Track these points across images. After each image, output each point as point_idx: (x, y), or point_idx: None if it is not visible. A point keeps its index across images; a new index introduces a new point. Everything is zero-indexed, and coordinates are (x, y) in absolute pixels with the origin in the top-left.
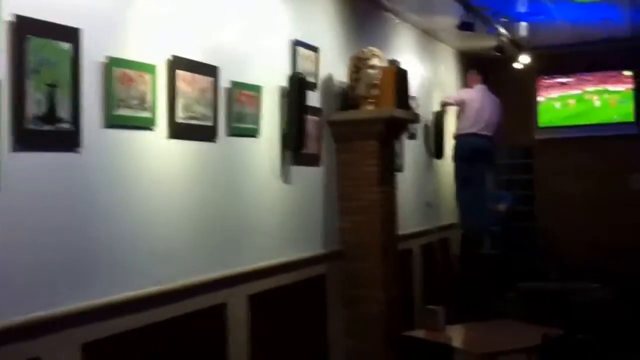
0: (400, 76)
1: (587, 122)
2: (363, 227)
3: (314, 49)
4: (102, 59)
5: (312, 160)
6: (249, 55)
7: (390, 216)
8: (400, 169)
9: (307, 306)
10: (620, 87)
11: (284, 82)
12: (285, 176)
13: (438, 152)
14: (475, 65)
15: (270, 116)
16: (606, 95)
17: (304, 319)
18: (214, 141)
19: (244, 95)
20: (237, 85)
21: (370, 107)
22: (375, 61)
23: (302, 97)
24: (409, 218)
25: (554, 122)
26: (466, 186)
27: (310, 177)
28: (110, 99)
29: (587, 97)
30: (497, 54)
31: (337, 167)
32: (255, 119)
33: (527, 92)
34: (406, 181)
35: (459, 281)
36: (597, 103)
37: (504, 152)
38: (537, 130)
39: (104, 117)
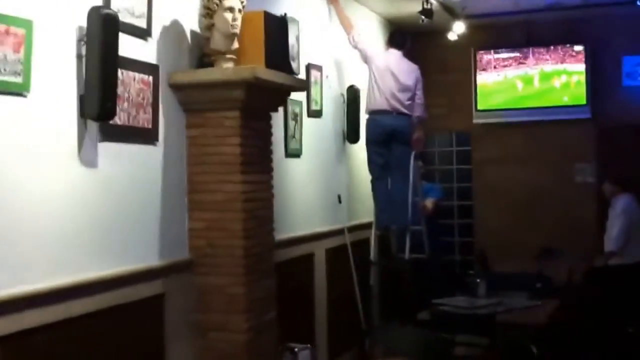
0: (272, 25)
1: (533, 105)
2: (219, 229)
3: None
4: None
5: (140, 136)
6: None
7: (262, 214)
8: (296, 154)
9: (129, 341)
10: (571, 65)
11: (84, 22)
12: (89, 156)
13: (353, 135)
14: (391, 34)
15: (55, 68)
16: (555, 74)
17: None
18: None
19: None
20: None
21: (228, 65)
22: (234, 1)
23: (111, 45)
24: (311, 215)
25: (495, 105)
26: (382, 176)
27: (140, 159)
28: None
29: (532, 76)
30: (424, 17)
31: (186, 147)
32: (21, 68)
33: (463, 70)
34: (307, 169)
35: (367, 296)
36: (544, 83)
37: (438, 139)
38: (475, 113)
39: None
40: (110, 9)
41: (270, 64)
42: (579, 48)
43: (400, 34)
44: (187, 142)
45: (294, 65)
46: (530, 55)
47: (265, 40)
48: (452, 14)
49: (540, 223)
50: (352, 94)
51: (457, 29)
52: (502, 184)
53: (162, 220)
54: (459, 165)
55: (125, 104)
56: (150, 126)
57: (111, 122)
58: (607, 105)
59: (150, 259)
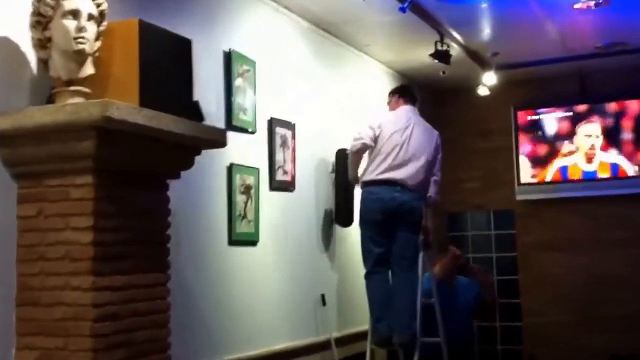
0: (157, 43)
1: (592, 176)
2: None
3: None
4: None
5: None
6: None
7: (141, 338)
8: (249, 240)
9: None
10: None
11: None
12: None
13: (344, 217)
14: (400, 87)
15: None
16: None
17: None
18: None
19: None
20: None
21: (72, 101)
22: (79, 2)
23: None
24: (274, 326)
25: (543, 177)
26: (380, 270)
27: None
28: None
29: (590, 139)
30: (435, 61)
31: (17, 233)
32: None
33: (502, 134)
34: (268, 262)
35: None
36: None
37: (472, 220)
38: (519, 187)
39: None
40: None
41: (150, 101)
42: None
43: (407, 87)
44: (18, 226)
45: (249, 118)
46: (594, 111)
47: (140, 64)
48: (479, 61)
49: (607, 323)
50: (342, 160)
51: (488, 81)
52: (556, 274)
53: None
54: (500, 252)
55: None
56: None
57: None
58: None
59: None
